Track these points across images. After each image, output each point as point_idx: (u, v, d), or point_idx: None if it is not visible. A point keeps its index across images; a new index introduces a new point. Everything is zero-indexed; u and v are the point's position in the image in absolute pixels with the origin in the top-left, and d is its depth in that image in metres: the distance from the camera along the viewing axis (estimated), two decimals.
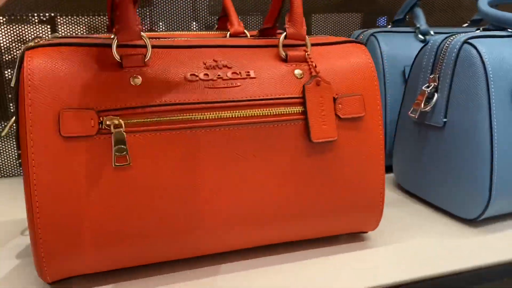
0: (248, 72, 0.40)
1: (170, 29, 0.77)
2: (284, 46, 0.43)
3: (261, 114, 0.40)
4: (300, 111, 0.41)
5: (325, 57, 0.44)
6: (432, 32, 0.74)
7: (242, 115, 0.39)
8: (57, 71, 0.35)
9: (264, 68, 0.41)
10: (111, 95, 0.36)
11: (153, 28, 0.78)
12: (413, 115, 0.56)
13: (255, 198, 0.40)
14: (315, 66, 0.42)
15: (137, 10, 0.45)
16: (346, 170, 0.43)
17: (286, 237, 0.44)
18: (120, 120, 0.36)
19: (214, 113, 0.38)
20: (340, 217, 0.45)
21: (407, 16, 0.80)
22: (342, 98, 0.43)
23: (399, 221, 0.55)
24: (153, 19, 0.77)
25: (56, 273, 0.37)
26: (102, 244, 0.37)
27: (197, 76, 0.39)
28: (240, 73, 0.40)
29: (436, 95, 0.54)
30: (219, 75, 0.39)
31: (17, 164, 0.72)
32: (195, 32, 0.60)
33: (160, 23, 0.77)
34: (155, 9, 0.76)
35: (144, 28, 0.78)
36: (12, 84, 0.37)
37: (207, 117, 0.38)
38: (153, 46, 0.39)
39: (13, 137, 0.70)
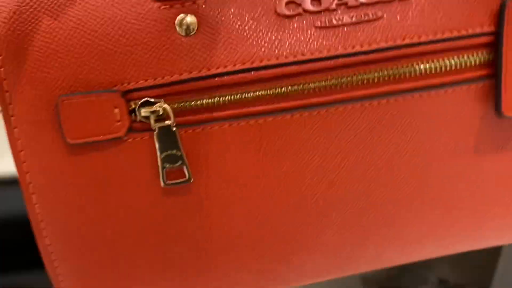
0: None
1: None
2: None
3: (417, 72, 0.21)
4: (483, 61, 0.22)
5: None
6: None
7: (386, 77, 0.21)
8: (39, 18, 0.18)
9: None
10: (145, 57, 0.19)
11: None
12: None
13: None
14: None
15: None
16: None
17: None
18: (166, 106, 0.19)
19: (335, 78, 0.20)
20: None
21: None
22: None
23: None
24: None
25: None
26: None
27: (299, 4, 0.20)
28: None
29: None
30: (339, 1, 0.20)
31: None
32: None
33: None
34: None
35: None
36: None
37: (322, 85, 0.20)
38: None
39: None
